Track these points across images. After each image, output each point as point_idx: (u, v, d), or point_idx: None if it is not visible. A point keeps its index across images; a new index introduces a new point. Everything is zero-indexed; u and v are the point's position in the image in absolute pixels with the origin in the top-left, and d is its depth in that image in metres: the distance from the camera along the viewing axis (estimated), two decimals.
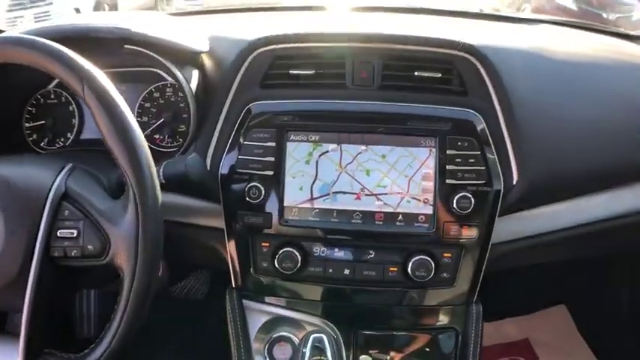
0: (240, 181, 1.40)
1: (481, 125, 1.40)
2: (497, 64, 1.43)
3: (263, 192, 1.38)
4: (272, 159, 1.39)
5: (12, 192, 1.18)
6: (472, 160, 1.38)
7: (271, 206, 1.40)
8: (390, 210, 1.39)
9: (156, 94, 1.62)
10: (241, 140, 1.41)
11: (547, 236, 1.52)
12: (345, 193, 1.40)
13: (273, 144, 1.40)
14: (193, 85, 1.49)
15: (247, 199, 1.39)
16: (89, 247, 1.17)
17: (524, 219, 1.49)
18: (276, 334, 1.49)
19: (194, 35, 1.55)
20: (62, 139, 1.66)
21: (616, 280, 2.48)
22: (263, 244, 1.42)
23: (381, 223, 1.39)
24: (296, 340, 1.46)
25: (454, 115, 1.40)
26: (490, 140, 1.40)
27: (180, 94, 1.53)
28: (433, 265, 1.38)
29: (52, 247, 1.17)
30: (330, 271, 1.41)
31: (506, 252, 1.49)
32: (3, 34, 1.24)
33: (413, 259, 1.38)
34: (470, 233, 1.39)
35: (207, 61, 1.54)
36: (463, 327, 1.49)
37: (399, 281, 1.41)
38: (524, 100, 1.44)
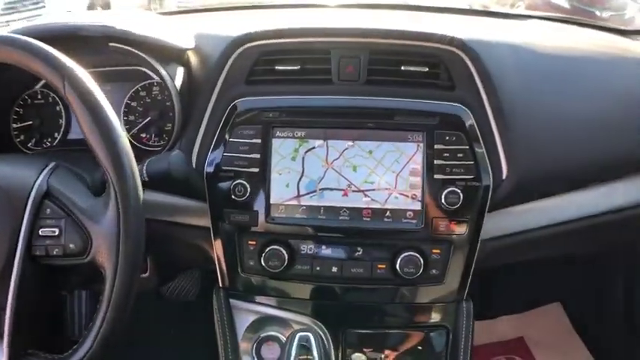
0: (225, 179, 1.38)
1: (469, 120, 1.38)
2: (485, 57, 1.41)
3: (249, 189, 1.36)
4: (257, 156, 1.38)
5: None
6: (460, 155, 1.36)
7: (257, 204, 1.38)
8: (378, 206, 1.37)
9: (142, 93, 1.61)
10: (227, 137, 1.40)
11: (538, 232, 1.50)
12: (331, 189, 1.38)
13: (258, 141, 1.38)
14: (178, 82, 1.48)
15: (233, 196, 1.37)
16: (71, 245, 1.17)
17: (515, 214, 1.47)
18: (264, 334, 1.48)
19: (180, 33, 1.54)
20: (49, 139, 1.65)
21: (611, 276, 2.46)
22: (249, 242, 1.40)
23: (368, 219, 1.37)
24: (284, 340, 1.44)
25: (442, 109, 1.39)
26: (479, 135, 1.38)
27: (167, 93, 1.51)
28: (422, 261, 1.36)
29: (34, 245, 1.17)
30: (318, 269, 1.39)
31: (496, 248, 1.47)
32: None
33: (401, 256, 1.36)
34: (459, 229, 1.37)
35: (192, 59, 1.53)
36: (454, 325, 1.47)
37: (387, 278, 1.39)
38: (513, 94, 1.43)
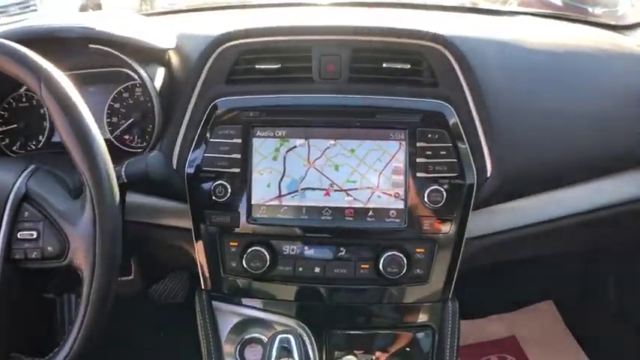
0: (206, 180, 1.37)
1: (452, 117, 1.37)
2: (468, 53, 1.39)
3: (229, 190, 1.35)
4: (238, 156, 1.36)
5: None
6: (443, 153, 1.34)
7: (239, 204, 1.37)
8: (361, 205, 1.36)
9: (125, 95, 1.59)
10: (207, 138, 1.38)
11: (524, 230, 1.49)
12: (313, 189, 1.36)
13: (239, 140, 1.36)
14: (158, 83, 1.46)
15: (214, 197, 1.35)
16: (49, 248, 1.16)
17: (500, 213, 1.46)
18: (248, 336, 1.46)
19: (161, 33, 1.52)
20: (34, 142, 1.64)
21: (603, 274, 2.46)
22: (231, 243, 1.39)
23: (351, 219, 1.36)
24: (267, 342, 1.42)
25: (424, 106, 1.37)
26: (462, 132, 1.36)
27: (148, 94, 1.50)
28: (405, 261, 1.34)
29: (13, 249, 1.16)
30: (300, 269, 1.38)
31: (481, 247, 1.46)
32: None
33: (384, 256, 1.34)
34: (443, 228, 1.36)
35: (174, 59, 1.52)
36: (439, 325, 1.46)
37: (371, 278, 1.38)
38: (497, 91, 1.41)
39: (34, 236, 1.17)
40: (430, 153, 1.34)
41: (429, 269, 1.38)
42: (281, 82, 1.41)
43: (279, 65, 1.40)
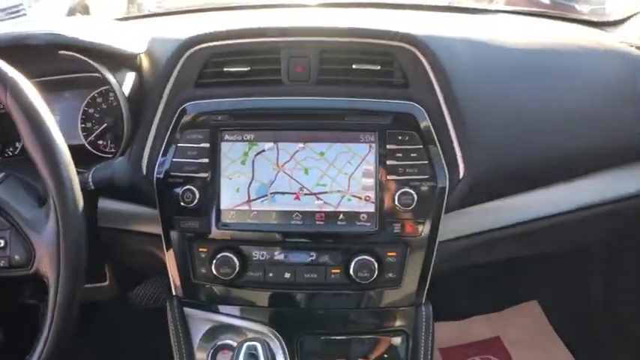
0: (175, 185, 1.35)
1: (423, 118, 1.35)
2: (439, 53, 1.37)
3: (198, 195, 1.33)
4: (206, 160, 1.34)
5: None
6: (414, 155, 1.33)
7: (208, 210, 1.35)
8: (331, 209, 1.34)
9: (99, 100, 1.59)
10: (176, 142, 1.36)
11: (499, 232, 1.47)
12: (283, 193, 1.35)
13: (207, 145, 1.35)
14: (127, 87, 1.44)
15: (182, 203, 1.34)
16: (16, 256, 1.16)
17: (474, 215, 1.45)
18: (220, 342, 1.44)
19: (132, 37, 1.50)
20: (11, 149, 1.63)
21: (588, 273, 2.45)
22: (201, 249, 1.37)
23: (321, 223, 1.34)
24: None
25: (394, 108, 1.35)
26: (433, 133, 1.35)
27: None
28: (377, 265, 1.33)
29: None
30: (270, 275, 1.36)
31: (455, 250, 1.45)
32: None
33: (355, 260, 1.33)
34: (414, 231, 1.34)
35: (144, 63, 1.50)
36: (413, 329, 1.44)
37: (342, 283, 1.36)
38: (471, 91, 1.39)
39: (2, 245, 1.17)
40: (400, 155, 1.33)
41: (401, 273, 1.37)
42: (250, 84, 1.39)
43: (248, 68, 1.39)
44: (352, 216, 1.34)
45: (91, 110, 1.59)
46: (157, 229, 1.40)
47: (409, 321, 1.44)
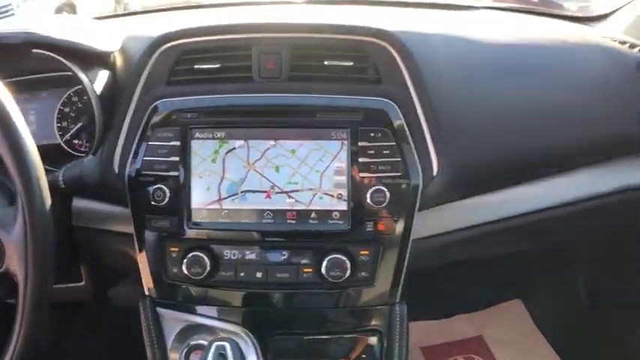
0: (146, 184, 1.34)
1: (396, 115, 1.33)
2: (413, 49, 1.37)
3: (168, 194, 1.32)
4: (177, 159, 1.33)
5: None
6: (386, 152, 1.31)
7: (178, 209, 1.33)
8: (303, 207, 1.33)
9: (75, 99, 1.58)
10: (147, 140, 1.35)
11: (474, 230, 1.47)
12: (254, 191, 1.33)
13: (177, 143, 1.33)
14: (100, 86, 1.42)
15: (153, 202, 1.33)
16: None
17: (448, 212, 1.44)
18: (193, 342, 1.42)
19: (107, 36, 1.49)
20: None
21: (572, 272, 2.45)
22: (172, 248, 1.35)
23: (293, 221, 1.33)
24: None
25: (366, 104, 1.34)
26: (406, 130, 1.33)
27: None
28: (349, 264, 1.31)
29: None
30: (242, 274, 1.35)
31: (429, 248, 1.43)
32: None
33: (327, 259, 1.31)
34: (387, 229, 1.33)
35: (118, 61, 1.49)
36: (387, 329, 1.42)
37: (314, 282, 1.35)
38: (446, 87, 1.39)
39: None
40: (373, 152, 1.31)
41: (374, 272, 1.35)
42: (221, 82, 1.38)
43: (219, 65, 1.37)
44: (324, 214, 1.33)
45: (66, 109, 1.58)
46: (130, 228, 1.39)
47: (383, 320, 1.43)
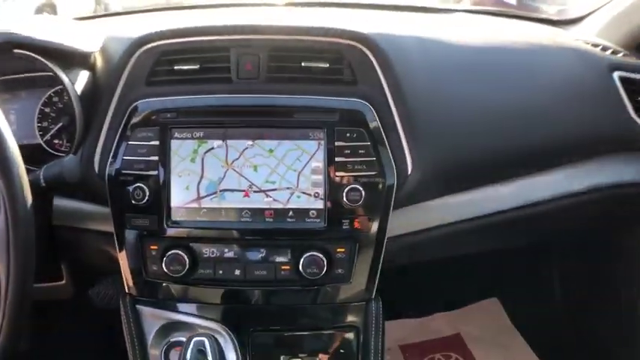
0: (126, 183, 1.35)
1: (372, 115, 1.36)
2: (389, 51, 1.39)
3: (148, 193, 1.33)
4: (156, 158, 1.35)
5: None
6: (362, 152, 1.34)
7: (157, 208, 1.35)
8: (280, 206, 1.35)
9: (55, 99, 1.58)
10: (127, 140, 1.37)
11: (449, 228, 1.49)
12: (232, 190, 1.35)
13: (156, 143, 1.35)
14: (80, 86, 1.44)
15: (133, 201, 1.34)
16: None
17: (423, 211, 1.47)
18: (173, 339, 1.44)
19: (87, 36, 1.50)
20: None
21: (547, 271, 2.48)
22: (151, 247, 1.37)
23: (271, 220, 1.35)
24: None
25: (342, 105, 1.36)
26: (381, 130, 1.36)
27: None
28: (325, 261, 1.34)
29: None
30: (221, 272, 1.36)
31: (405, 246, 1.46)
32: None
33: (304, 257, 1.34)
34: (363, 227, 1.35)
35: (98, 62, 1.50)
36: (363, 325, 1.45)
37: (291, 280, 1.37)
38: (420, 89, 1.41)
39: None
40: (349, 152, 1.34)
41: (351, 269, 1.37)
42: (200, 82, 1.40)
43: (198, 66, 1.39)
44: (301, 213, 1.35)
45: (47, 109, 1.59)
46: (110, 227, 1.40)
47: (360, 316, 1.45)
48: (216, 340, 1.36)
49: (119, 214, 1.38)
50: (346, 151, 1.34)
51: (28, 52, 1.41)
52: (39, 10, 2.30)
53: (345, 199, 1.33)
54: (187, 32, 1.41)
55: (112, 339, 1.74)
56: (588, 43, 1.73)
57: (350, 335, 1.46)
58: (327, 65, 1.39)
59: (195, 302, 1.44)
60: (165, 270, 1.35)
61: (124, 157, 1.36)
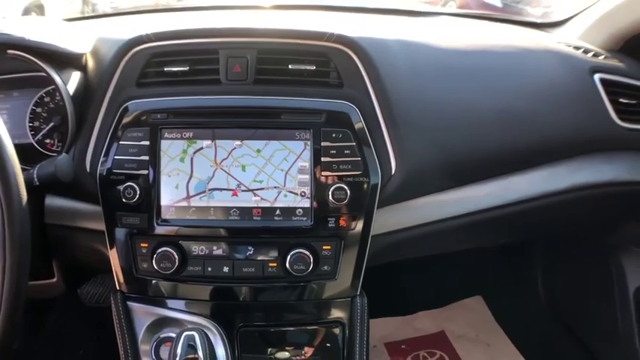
0: (117, 182, 1.38)
1: (356, 116, 1.40)
2: (374, 54, 1.43)
3: (138, 192, 1.36)
4: (146, 158, 1.38)
5: None
6: (347, 152, 1.37)
7: (148, 206, 1.38)
8: (268, 205, 1.38)
9: (47, 99, 1.60)
10: (118, 140, 1.39)
11: (432, 226, 1.53)
12: (221, 189, 1.38)
13: (147, 143, 1.38)
14: (72, 87, 1.46)
15: (124, 199, 1.37)
16: None
17: (407, 209, 1.50)
18: (163, 335, 1.47)
19: (79, 38, 1.53)
20: None
21: (530, 268, 2.52)
22: (142, 244, 1.40)
23: (259, 218, 1.38)
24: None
25: (328, 107, 1.40)
26: (366, 131, 1.40)
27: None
28: (312, 258, 1.37)
29: None
30: (210, 269, 1.39)
31: (389, 243, 1.50)
32: None
33: (291, 254, 1.37)
34: (348, 225, 1.39)
35: (90, 63, 1.53)
36: (349, 320, 1.48)
37: (279, 276, 1.40)
38: (404, 91, 1.45)
39: None
40: (335, 152, 1.37)
41: (336, 266, 1.41)
42: (189, 84, 1.43)
43: (188, 68, 1.43)
44: (288, 211, 1.38)
45: (38, 109, 1.60)
46: (101, 225, 1.42)
47: (345, 312, 1.49)
48: (206, 334, 1.38)
49: (110, 213, 1.40)
50: (332, 152, 1.38)
51: (22, 53, 1.43)
52: (26, 11, 2.31)
53: (330, 197, 1.36)
54: (177, 35, 1.44)
55: (102, 336, 1.75)
56: (570, 46, 1.77)
57: (336, 330, 1.50)
58: (314, 68, 1.43)
59: (184, 299, 1.47)
60: (155, 267, 1.38)
61: (115, 157, 1.39)
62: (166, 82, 1.44)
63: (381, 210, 1.43)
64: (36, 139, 1.61)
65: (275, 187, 1.38)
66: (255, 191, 1.38)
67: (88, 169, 1.42)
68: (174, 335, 1.42)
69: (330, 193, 1.36)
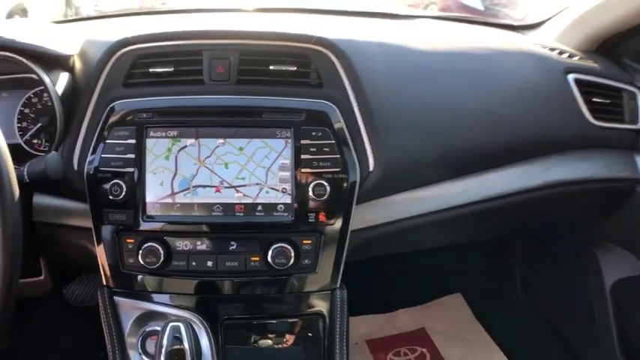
0: (104, 180, 1.41)
1: (336, 115, 1.45)
2: (352, 56, 1.48)
3: (125, 189, 1.40)
4: (132, 156, 1.41)
5: None
6: (327, 149, 1.42)
7: (134, 203, 1.42)
8: (250, 201, 1.42)
9: (35, 100, 1.63)
10: (104, 139, 1.43)
11: (409, 221, 1.57)
12: (204, 186, 1.42)
13: (133, 141, 1.42)
14: (61, 87, 1.50)
15: (111, 197, 1.40)
16: None
17: (385, 205, 1.54)
18: (149, 329, 1.51)
19: (67, 40, 1.57)
20: None
21: (508, 265, 2.56)
22: (128, 240, 1.43)
23: (241, 214, 1.42)
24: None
25: (308, 106, 1.44)
26: (345, 130, 1.45)
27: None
28: (293, 252, 1.41)
29: None
30: (194, 264, 1.43)
31: (368, 238, 1.54)
32: None
33: (272, 248, 1.41)
34: (328, 220, 1.43)
35: (77, 64, 1.56)
36: (329, 312, 1.53)
37: (261, 270, 1.44)
38: (381, 91, 1.50)
39: None
40: (314, 150, 1.42)
41: (316, 260, 1.45)
42: (174, 84, 1.47)
43: (172, 68, 1.47)
44: (270, 207, 1.43)
45: (26, 110, 1.63)
46: (88, 222, 1.46)
47: (325, 304, 1.53)
48: (191, 325, 1.42)
49: (97, 210, 1.44)
50: (312, 149, 1.42)
51: (11, 54, 1.47)
52: (10, 14, 2.32)
53: (310, 194, 1.41)
54: (162, 37, 1.48)
55: (88, 333, 1.77)
56: (545, 47, 1.83)
57: (316, 322, 1.54)
58: (295, 68, 1.48)
59: (169, 293, 1.50)
60: (141, 262, 1.42)
61: (102, 155, 1.43)
62: (152, 83, 1.48)
63: (360, 206, 1.47)
64: (24, 139, 1.63)
65: (257, 184, 1.42)
66: (237, 188, 1.42)
67: (75, 168, 1.46)
68: (159, 329, 1.45)
69: (310, 189, 1.40)
